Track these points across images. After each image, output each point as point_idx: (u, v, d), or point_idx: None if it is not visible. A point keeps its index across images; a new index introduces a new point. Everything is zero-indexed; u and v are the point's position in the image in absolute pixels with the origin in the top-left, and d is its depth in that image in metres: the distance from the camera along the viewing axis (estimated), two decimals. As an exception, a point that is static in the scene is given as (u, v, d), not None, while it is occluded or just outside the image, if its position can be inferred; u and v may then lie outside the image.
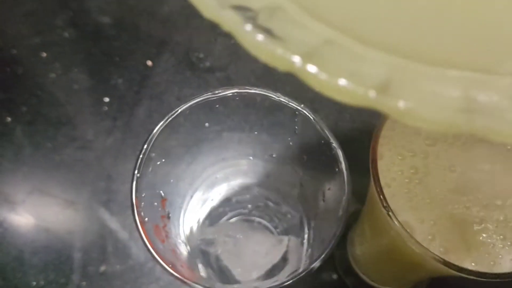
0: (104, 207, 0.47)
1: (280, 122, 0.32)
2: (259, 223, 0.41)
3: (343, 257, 0.42)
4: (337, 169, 0.27)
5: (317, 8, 0.14)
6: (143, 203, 0.27)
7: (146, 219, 0.27)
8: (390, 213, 0.26)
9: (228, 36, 0.17)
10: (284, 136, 0.33)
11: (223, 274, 0.38)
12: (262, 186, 0.38)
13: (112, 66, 0.52)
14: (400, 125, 0.28)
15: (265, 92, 0.29)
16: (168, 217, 0.31)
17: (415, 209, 0.27)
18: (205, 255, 0.38)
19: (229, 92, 0.29)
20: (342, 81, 0.12)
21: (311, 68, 0.12)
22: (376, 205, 0.29)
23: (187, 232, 0.36)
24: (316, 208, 0.32)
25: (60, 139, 0.49)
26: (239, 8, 0.13)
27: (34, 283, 0.44)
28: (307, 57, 0.12)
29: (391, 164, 0.28)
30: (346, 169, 0.27)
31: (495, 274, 0.25)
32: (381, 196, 0.26)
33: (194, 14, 0.18)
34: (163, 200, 0.31)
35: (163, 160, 0.30)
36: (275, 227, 0.41)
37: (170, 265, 0.26)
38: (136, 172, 0.27)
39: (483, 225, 0.27)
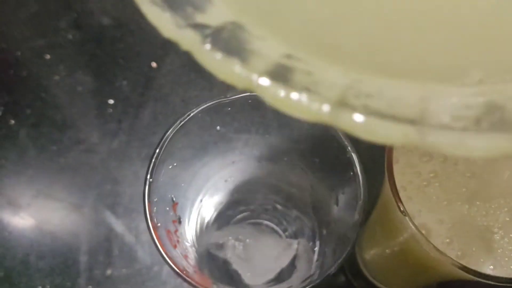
0: (110, 210, 0.46)
1: (292, 125, 0.32)
2: (267, 226, 0.41)
3: (352, 260, 0.42)
4: (351, 173, 0.27)
5: (275, 23, 0.14)
6: (155, 208, 0.27)
7: (159, 224, 0.27)
8: (407, 217, 0.26)
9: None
10: (295, 139, 0.32)
11: (231, 278, 0.37)
12: (271, 190, 0.38)
13: (117, 68, 0.52)
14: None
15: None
16: (179, 222, 0.31)
17: (432, 212, 0.27)
18: (213, 259, 0.37)
19: (241, 95, 0.29)
20: (301, 97, 0.12)
21: (269, 86, 0.12)
22: (390, 209, 0.29)
23: (196, 236, 0.36)
24: (329, 212, 0.32)
25: (65, 142, 0.49)
26: (197, 26, 0.13)
27: (40, 287, 0.44)
28: (266, 75, 0.12)
29: (406, 167, 0.27)
30: (361, 173, 0.26)
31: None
32: (398, 200, 0.26)
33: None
34: (175, 204, 0.30)
35: (175, 164, 0.30)
36: (284, 230, 0.41)
37: (184, 271, 0.26)
38: (148, 176, 0.27)
39: (502, 230, 0.26)
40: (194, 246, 0.35)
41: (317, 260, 0.34)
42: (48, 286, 0.44)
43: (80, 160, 0.48)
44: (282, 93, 0.12)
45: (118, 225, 0.46)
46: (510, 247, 0.26)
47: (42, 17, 0.54)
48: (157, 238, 0.26)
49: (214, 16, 0.13)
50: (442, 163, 0.28)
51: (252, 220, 0.41)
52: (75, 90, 0.51)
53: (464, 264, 0.25)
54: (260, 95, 0.12)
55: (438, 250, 0.25)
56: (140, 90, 0.51)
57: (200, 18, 0.13)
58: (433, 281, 0.38)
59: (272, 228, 0.41)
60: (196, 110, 0.28)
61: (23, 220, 0.46)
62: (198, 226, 0.36)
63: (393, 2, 0.14)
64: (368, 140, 0.12)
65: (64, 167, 0.48)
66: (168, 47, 0.52)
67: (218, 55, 0.12)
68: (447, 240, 0.27)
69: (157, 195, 0.28)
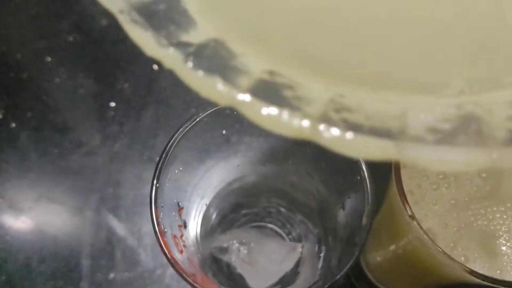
0: (112, 214, 0.46)
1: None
2: (271, 229, 0.41)
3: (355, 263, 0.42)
4: (359, 177, 0.27)
5: (257, 39, 0.14)
6: (162, 214, 0.27)
7: (166, 230, 0.27)
8: (415, 221, 0.26)
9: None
10: (301, 142, 0.32)
11: (234, 281, 0.37)
12: (276, 193, 0.38)
13: (118, 71, 0.52)
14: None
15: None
16: (185, 226, 0.31)
17: (438, 216, 0.27)
18: (216, 262, 0.37)
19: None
20: (283, 114, 0.12)
21: (251, 103, 0.12)
22: (396, 212, 0.29)
23: (200, 240, 0.36)
24: (335, 217, 0.31)
25: (66, 145, 0.49)
26: (179, 45, 0.13)
27: (42, 291, 0.43)
28: (247, 92, 0.12)
29: (414, 171, 0.27)
30: (369, 178, 0.26)
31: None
32: (406, 205, 0.26)
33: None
34: (180, 209, 0.30)
35: (181, 168, 0.29)
36: (288, 234, 0.41)
37: (192, 277, 0.25)
38: (155, 182, 0.26)
39: (507, 234, 0.26)
40: (198, 250, 0.35)
41: (322, 267, 0.34)
42: (51, 290, 0.43)
43: (82, 163, 0.48)
44: (263, 110, 0.12)
45: (120, 228, 0.46)
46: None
47: (42, 19, 0.54)
48: (164, 244, 0.25)
49: (196, 33, 0.14)
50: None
51: (256, 223, 0.41)
52: (76, 92, 0.51)
53: (472, 268, 0.25)
54: (242, 112, 0.12)
55: (446, 254, 0.25)
56: (142, 92, 0.51)
57: (182, 36, 0.13)
58: (436, 283, 0.38)
59: (276, 231, 0.41)
60: (202, 114, 0.28)
61: (24, 224, 0.46)
62: (202, 230, 0.36)
63: (373, 16, 0.14)
64: (349, 155, 0.12)
65: (65, 170, 0.48)
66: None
67: (200, 73, 0.12)
68: (452, 244, 0.27)
69: (163, 200, 0.28)
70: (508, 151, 0.11)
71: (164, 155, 0.27)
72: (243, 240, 0.37)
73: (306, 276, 0.36)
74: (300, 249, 0.37)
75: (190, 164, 0.31)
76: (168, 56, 0.13)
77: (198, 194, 0.34)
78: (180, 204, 0.31)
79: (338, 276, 0.24)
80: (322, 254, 0.34)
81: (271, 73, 0.13)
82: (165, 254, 0.25)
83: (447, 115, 0.12)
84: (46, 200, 0.47)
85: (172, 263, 0.25)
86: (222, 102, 0.12)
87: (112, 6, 0.13)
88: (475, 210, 0.27)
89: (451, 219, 0.28)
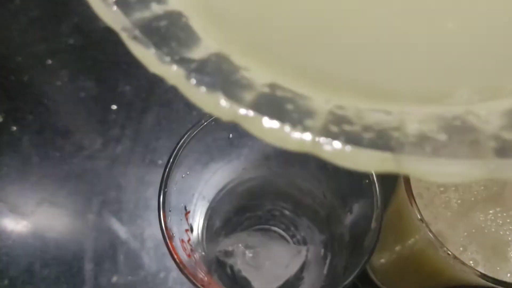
0: (115, 217, 0.46)
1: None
2: (275, 232, 0.41)
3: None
4: (367, 181, 0.27)
5: (259, 51, 0.14)
6: (169, 218, 0.27)
7: (174, 234, 0.27)
8: (424, 224, 0.26)
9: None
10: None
11: (239, 285, 0.37)
12: (281, 196, 0.38)
13: (120, 73, 0.51)
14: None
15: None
16: (191, 231, 0.31)
17: (448, 220, 0.27)
18: (221, 266, 0.37)
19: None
20: (284, 128, 0.12)
21: (253, 118, 0.12)
22: (404, 215, 0.29)
23: (205, 243, 0.35)
24: (342, 221, 0.31)
25: (68, 148, 0.48)
26: (182, 61, 0.13)
27: (45, 296, 0.43)
28: (249, 107, 0.12)
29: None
30: (377, 181, 0.26)
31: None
32: (415, 208, 0.26)
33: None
34: (187, 213, 0.30)
35: (188, 172, 0.29)
36: (292, 236, 0.41)
37: (201, 281, 0.25)
38: (163, 186, 0.26)
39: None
40: (203, 253, 0.34)
41: (327, 273, 0.33)
42: (53, 295, 0.43)
43: (84, 166, 0.48)
44: (265, 124, 0.12)
45: (123, 232, 0.45)
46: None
47: (43, 21, 0.54)
48: (173, 249, 0.25)
49: (198, 49, 0.14)
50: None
51: (260, 226, 0.41)
52: (78, 95, 0.50)
53: (482, 271, 0.25)
54: (245, 127, 0.12)
55: (457, 259, 0.25)
56: (144, 95, 0.51)
57: (184, 52, 0.13)
58: (443, 285, 0.38)
59: (280, 234, 0.41)
60: (209, 119, 0.28)
61: (26, 228, 0.46)
62: (207, 233, 0.36)
63: (374, 27, 0.14)
64: (350, 168, 0.12)
65: (67, 174, 0.47)
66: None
67: (203, 90, 0.12)
68: (461, 248, 0.27)
69: (170, 205, 0.27)
70: (504, 162, 0.11)
71: (172, 160, 0.27)
72: (249, 244, 0.37)
73: (310, 281, 0.36)
74: (304, 252, 0.37)
75: (196, 168, 0.31)
76: (171, 73, 0.13)
77: (203, 198, 0.33)
78: (187, 208, 0.30)
79: (346, 282, 0.24)
80: (327, 260, 0.34)
81: (273, 86, 0.13)
82: (174, 259, 0.25)
83: (444, 125, 0.12)
84: (48, 204, 0.46)
85: (181, 267, 0.25)
86: (225, 117, 0.13)
87: (115, 24, 0.13)
88: (484, 214, 0.27)
89: (459, 222, 0.27)
